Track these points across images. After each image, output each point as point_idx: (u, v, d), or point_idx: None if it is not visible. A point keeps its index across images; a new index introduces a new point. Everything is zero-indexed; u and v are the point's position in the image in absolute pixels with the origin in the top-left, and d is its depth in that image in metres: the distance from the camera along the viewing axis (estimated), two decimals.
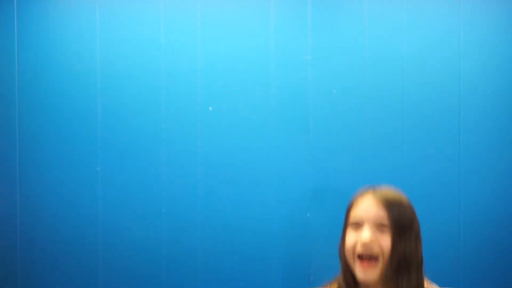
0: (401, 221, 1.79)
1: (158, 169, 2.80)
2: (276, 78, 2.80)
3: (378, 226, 1.73)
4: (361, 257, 1.72)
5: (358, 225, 1.75)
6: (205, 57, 2.80)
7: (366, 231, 1.71)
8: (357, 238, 1.72)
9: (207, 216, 2.81)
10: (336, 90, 2.80)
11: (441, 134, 2.80)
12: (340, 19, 2.81)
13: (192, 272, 2.82)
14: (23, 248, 2.84)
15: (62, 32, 2.77)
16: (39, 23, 2.78)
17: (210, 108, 2.81)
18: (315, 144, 2.80)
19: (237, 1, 2.80)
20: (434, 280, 2.86)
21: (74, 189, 2.81)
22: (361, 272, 1.72)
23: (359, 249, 1.72)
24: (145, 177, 2.80)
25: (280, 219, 2.80)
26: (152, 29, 2.79)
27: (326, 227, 2.80)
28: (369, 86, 2.79)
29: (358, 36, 2.79)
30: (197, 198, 2.81)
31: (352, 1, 2.80)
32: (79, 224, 2.81)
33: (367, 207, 1.76)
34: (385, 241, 1.73)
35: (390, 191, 1.82)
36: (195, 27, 2.80)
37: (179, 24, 2.80)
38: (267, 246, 2.82)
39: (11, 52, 2.81)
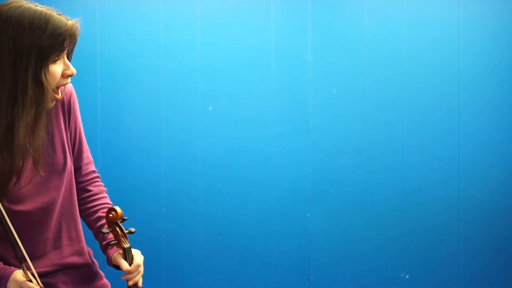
0: None
1: (158, 169, 2.80)
2: (276, 78, 2.81)
3: None
4: None
5: None
6: (205, 57, 2.80)
7: None
8: None
9: (206, 216, 2.81)
10: (336, 90, 2.80)
11: (441, 133, 2.80)
12: (340, 19, 2.81)
13: (192, 272, 2.82)
14: None
15: None
16: None
17: (210, 108, 2.81)
18: (315, 144, 2.80)
19: (237, 1, 2.80)
20: (434, 278, 2.88)
21: None
22: None
23: None
24: (145, 176, 2.80)
25: (280, 219, 2.80)
26: (152, 29, 2.79)
27: (326, 227, 2.80)
28: (369, 86, 2.79)
29: (358, 36, 2.79)
30: (197, 198, 2.81)
31: (352, 1, 2.80)
32: None
33: None
34: None
35: None
36: (195, 27, 2.80)
37: (179, 24, 2.80)
38: (267, 246, 2.83)
39: None
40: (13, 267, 1.54)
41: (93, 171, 1.80)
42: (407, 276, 2.81)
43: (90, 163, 1.79)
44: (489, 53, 2.79)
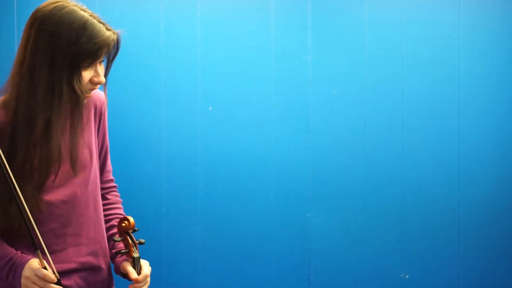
0: None
1: (158, 169, 2.80)
2: (276, 78, 2.81)
3: None
4: None
5: None
6: (205, 57, 2.80)
7: None
8: None
9: (206, 216, 2.81)
10: (336, 90, 2.80)
11: (441, 134, 2.80)
12: (340, 19, 2.81)
13: (192, 272, 2.82)
14: None
15: None
16: None
17: (210, 108, 2.81)
18: (315, 144, 2.80)
19: (237, 1, 2.80)
20: (434, 277, 2.88)
21: None
22: None
23: None
24: (145, 177, 2.80)
25: (280, 219, 2.80)
26: (152, 29, 2.80)
27: (326, 227, 2.80)
28: (369, 86, 2.79)
29: (358, 36, 2.79)
30: (197, 198, 2.81)
31: (352, 1, 2.80)
32: None
33: None
34: None
35: None
36: (195, 27, 2.80)
37: (179, 24, 2.80)
38: (267, 246, 2.83)
39: (11, 52, 2.81)
40: (30, 256, 1.56)
41: (112, 180, 1.85)
42: (407, 276, 2.81)
43: (110, 171, 1.84)
44: (489, 53, 2.79)
